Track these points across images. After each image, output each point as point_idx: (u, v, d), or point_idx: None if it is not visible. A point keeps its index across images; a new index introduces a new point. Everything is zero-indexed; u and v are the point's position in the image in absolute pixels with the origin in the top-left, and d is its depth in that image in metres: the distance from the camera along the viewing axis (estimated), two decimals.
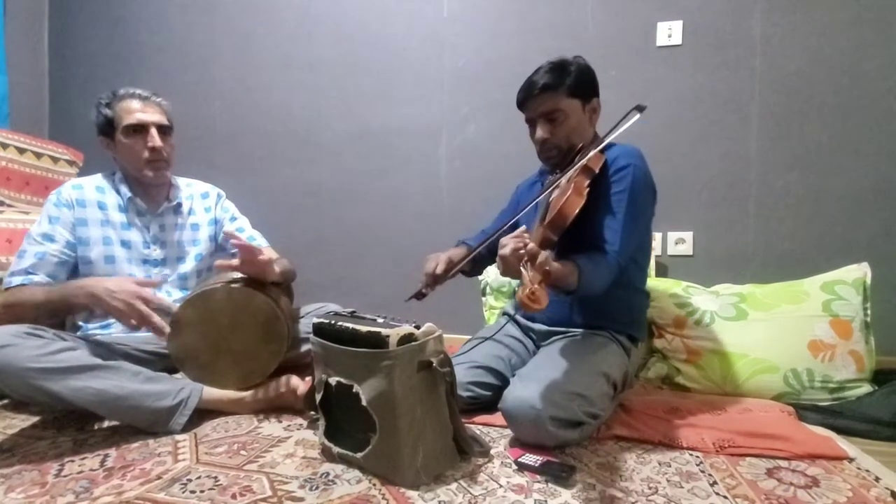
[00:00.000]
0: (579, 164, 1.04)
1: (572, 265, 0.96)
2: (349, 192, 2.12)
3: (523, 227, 0.92)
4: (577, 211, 0.94)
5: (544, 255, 0.81)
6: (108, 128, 1.25)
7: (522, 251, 0.82)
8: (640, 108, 1.03)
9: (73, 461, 0.97)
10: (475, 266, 1.38)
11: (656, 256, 1.79)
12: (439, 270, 1.22)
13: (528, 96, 1.18)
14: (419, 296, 1.25)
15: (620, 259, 1.08)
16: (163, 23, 2.28)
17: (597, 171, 1.05)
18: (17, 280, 1.16)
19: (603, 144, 1.07)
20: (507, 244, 0.86)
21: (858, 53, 1.62)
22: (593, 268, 1.00)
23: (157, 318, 1.05)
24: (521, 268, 0.81)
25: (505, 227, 1.17)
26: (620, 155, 1.14)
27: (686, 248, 1.78)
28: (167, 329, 1.07)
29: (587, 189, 1.00)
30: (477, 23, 1.95)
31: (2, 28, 2.19)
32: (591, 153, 1.05)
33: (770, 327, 1.38)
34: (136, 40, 2.31)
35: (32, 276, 1.17)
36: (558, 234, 0.95)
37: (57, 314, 1.16)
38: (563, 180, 1.06)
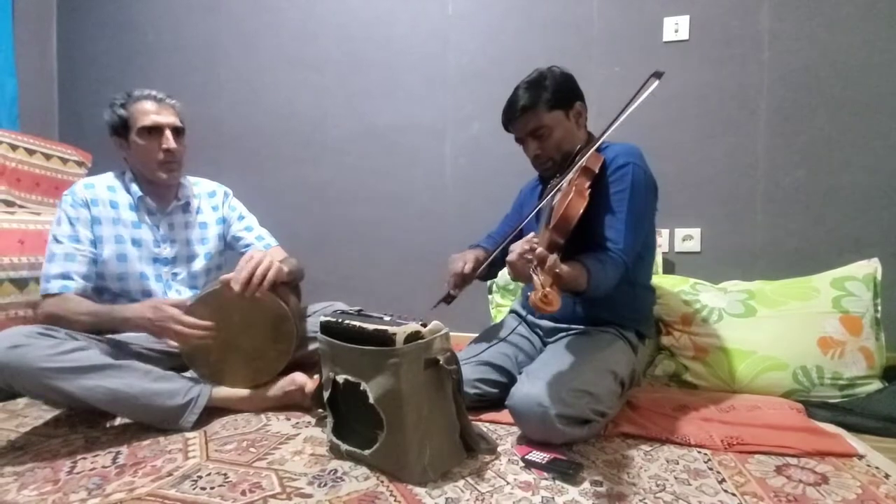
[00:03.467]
0: (578, 165, 1.05)
1: (581, 266, 0.96)
2: (355, 191, 2.12)
3: (532, 234, 0.92)
4: (580, 212, 0.94)
5: (553, 258, 0.81)
6: (122, 128, 1.26)
7: (530, 255, 0.83)
8: (657, 75, 1.00)
9: (85, 458, 0.98)
10: (489, 270, 1.38)
11: (664, 253, 1.79)
12: (467, 269, 1.22)
13: (511, 119, 1.20)
14: (448, 299, 1.23)
15: (626, 257, 1.08)
16: (169, 24, 2.30)
17: (596, 171, 1.06)
18: (54, 286, 1.17)
19: (601, 139, 1.06)
20: (515, 249, 0.87)
21: (867, 47, 1.60)
22: (601, 268, 1.01)
23: (197, 333, 1.11)
24: (532, 273, 0.82)
25: (513, 234, 1.19)
26: (619, 154, 1.14)
27: (694, 245, 1.77)
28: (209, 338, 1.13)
29: (588, 190, 1.00)
30: (481, 20, 1.95)
31: (11, 31, 2.21)
32: (588, 153, 1.05)
33: (779, 324, 1.37)
34: (144, 42, 2.33)
35: (69, 281, 1.18)
36: (564, 236, 0.95)
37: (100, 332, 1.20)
38: (564, 183, 1.06)
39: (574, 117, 1.19)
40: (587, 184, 1.02)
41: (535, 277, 0.81)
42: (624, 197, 1.11)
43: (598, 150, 1.13)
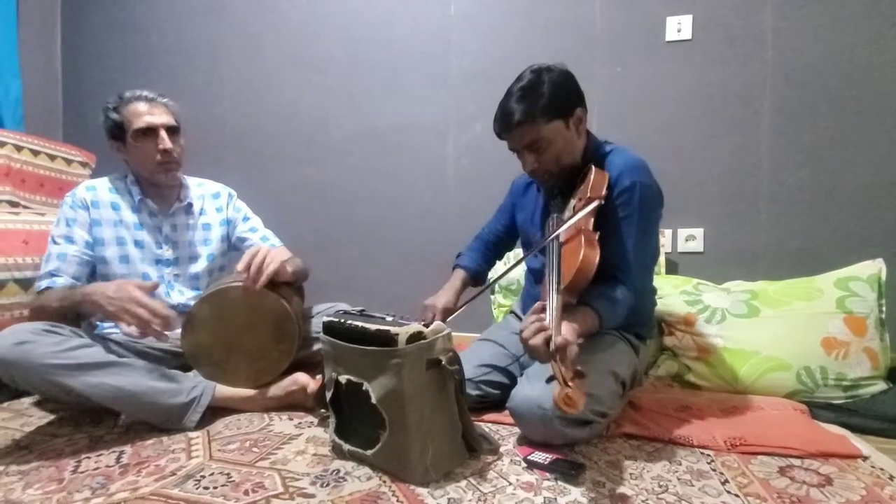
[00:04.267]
0: (587, 208, 0.97)
1: (591, 313, 0.94)
2: (356, 191, 2.13)
3: (537, 318, 0.86)
4: (595, 266, 0.91)
5: (574, 349, 0.78)
6: (118, 132, 1.26)
7: (548, 342, 0.79)
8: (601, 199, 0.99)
9: (89, 458, 0.99)
10: (478, 281, 1.39)
11: (667, 253, 1.78)
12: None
13: (505, 130, 1.09)
14: None
15: (635, 285, 1.06)
16: (172, 25, 2.31)
17: (603, 201, 1.01)
18: (43, 283, 1.18)
19: (603, 193, 0.99)
20: (535, 337, 0.82)
21: (871, 46, 1.59)
22: (612, 308, 0.99)
23: (156, 322, 1.03)
24: (551, 359, 0.78)
25: (495, 280, 1.15)
26: (623, 172, 1.06)
27: (697, 245, 1.77)
28: (166, 334, 1.05)
29: (597, 234, 0.97)
30: (483, 21, 1.94)
31: (15, 33, 2.22)
32: (598, 200, 0.97)
33: (782, 324, 1.37)
34: (147, 43, 2.34)
35: (56, 277, 1.19)
36: (578, 295, 0.93)
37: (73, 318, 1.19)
38: (572, 221, 0.99)
39: (574, 125, 1.09)
40: (592, 220, 0.99)
41: (555, 368, 0.77)
42: (631, 223, 1.06)
43: (601, 159, 1.10)
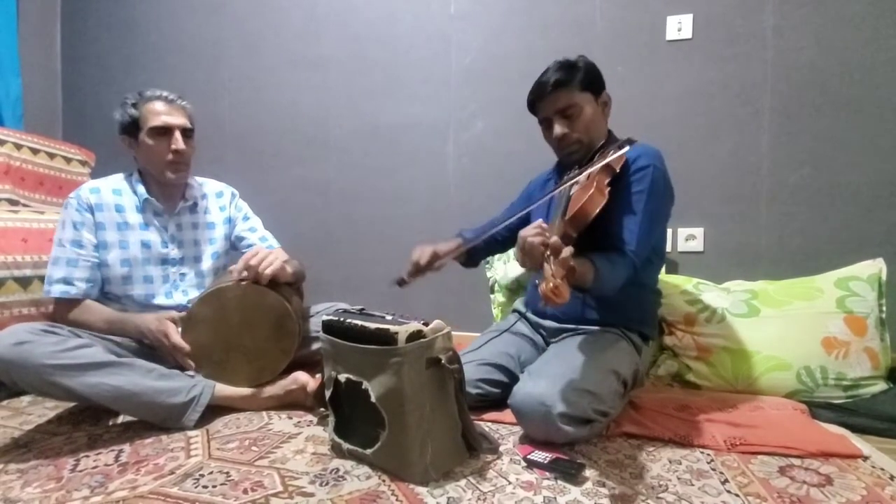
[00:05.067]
0: (601, 162, 1.02)
1: (589, 264, 0.95)
2: (357, 190, 2.12)
3: (541, 221, 0.90)
4: (599, 209, 0.94)
5: (568, 249, 0.80)
6: (132, 127, 1.27)
7: (546, 243, 0.81)
8: (630, 142, 1.05)
9: (88, 456, 0.98)
10: (471, 258, 1.39)
11: (667, 253, 1.78)
12: (423, 261, 1.22)
13: (541, 96, 1.18)
14: (400, 282, 1.24)
15: (637, 259, 1.07)
16: (172, 24, 2.30)
17: (618, 170, 1.04)
18: (57, 290, 1.20)
19: (624, 150, 1.03)
20: (532, 236, 0.85)
21: (872, 45, 1.59)
22: (610, 267, 1.00)
23: (177, 356, 1.17)
24: (544, 261, 0.81)
25: (511, 220, 1.16)
26: (641, 155, 1.12)
27: (697, 245, 1.76)
28: (191, 365, 1.18)
29: (608, 189, 0.99)
30: (484, 20, 1.94)
31: (15, 31, 2.22)
32: (615, 155, 1.02)
33: (782, 324, 1.36)
34: (147, 41, 2.34)
35: (70, 286, 1.21)
36: (578, 230, 0.94)
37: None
38: (583, 176, 1.04)
39: (601, 105, 1.20)
40: (607, 181, 1.01)
41: (546, 267, 0.79)
42: (642, 198, 1.10)
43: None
